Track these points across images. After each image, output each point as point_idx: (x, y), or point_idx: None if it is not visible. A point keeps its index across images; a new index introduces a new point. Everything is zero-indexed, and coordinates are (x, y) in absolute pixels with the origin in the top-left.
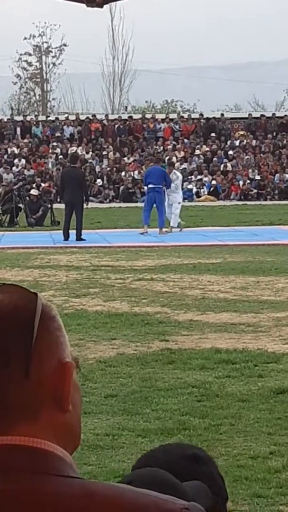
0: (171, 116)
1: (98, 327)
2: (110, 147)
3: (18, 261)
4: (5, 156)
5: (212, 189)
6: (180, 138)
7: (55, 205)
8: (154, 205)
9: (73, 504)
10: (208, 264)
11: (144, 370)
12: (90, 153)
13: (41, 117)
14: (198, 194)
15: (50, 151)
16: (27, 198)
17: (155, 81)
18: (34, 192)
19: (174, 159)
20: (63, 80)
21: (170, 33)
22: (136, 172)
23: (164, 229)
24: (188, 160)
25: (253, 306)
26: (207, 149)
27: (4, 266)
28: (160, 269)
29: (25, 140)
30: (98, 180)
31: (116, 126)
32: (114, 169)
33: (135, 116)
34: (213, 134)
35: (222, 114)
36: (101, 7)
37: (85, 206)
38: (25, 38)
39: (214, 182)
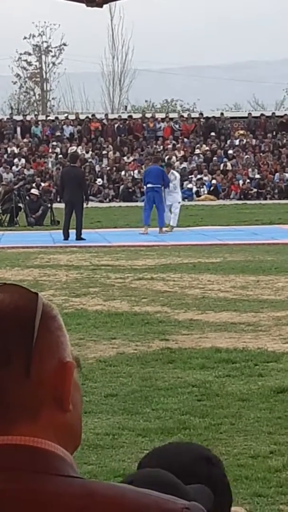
0: (171, 115)
1: (98, 327)
2: (110, 146)
3: (18, 260)
4: (5, 156)
5: (212, 188)
6: (180, 137)
7: (55, 205)
8: (154, 205)
9: (73, 503)
10: (208, 264)
11: (144, 369)
12: (90, 152)
13: (41, 117)
14: (198, 194)
15: (50, 150)
16: (27, 197)
17: (155, 81)
18: (34, 191)
19: (174, 158)
20: (63, 79)
21: (169, 32)
22: (136, 171)
23: (164, 229)
24: (188, 160)
25: (253, 305)
26: (207, 148)
27: (4, 266)
28: (160, 268)
29: (25, 140)
30: (98, 180)
31: (116, 125)
32: (114, 168)
33: (135, 116)
34: (213, 134)
35: (222, 114)
36: (101, 6)
37: (85, 205)
38: (25, 38)
39: (214, 181)
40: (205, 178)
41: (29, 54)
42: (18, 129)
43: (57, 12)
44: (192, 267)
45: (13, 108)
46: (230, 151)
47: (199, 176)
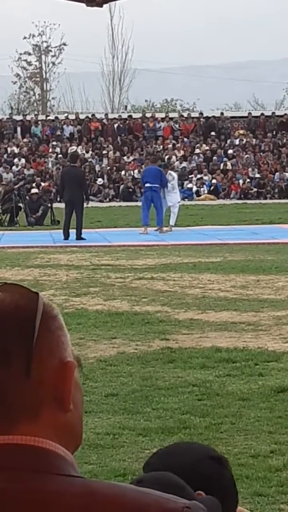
0: (171, 115)
1: (99, 326)
2: (110, 146)
3: (18, 260)
4: (5, 156)
5: (212, 188)
6: (180, 137)
7: (55, 205)
8: (152, 204)
9: (74, 503)
10: (208, 263)
11: (145, 369)
12: (90, 152)
13: (41, 117)
14: (198, 193)
15: (50, 150)
16: (27, 197)
17: (155, 80)
18: (35, 191)
19: (173, 158)
20: (63, 79)
21: (170, 32)
22: (136, 171)
23: (164, 228)
24: (188, 159)
25: (253, 305)
26: (207, 148)
27: (4, 266)
28: (160, 268)
29: (25, 140)
30: (99, 179)
31: (116, 125)
32: (114, 168)
33: (134, 115)
34: (213, 133)
35: (222, 113)
36: (101, 6)
37: (85, 205)
38: (25, 38)
39: (214, 181)
40: (205, 177)
41: (29, 54)
42: (18, 129)
43: (57, 12)
44: (192, 266)
45: (13, 108)
46: (230, 151)
47: (199, 176)
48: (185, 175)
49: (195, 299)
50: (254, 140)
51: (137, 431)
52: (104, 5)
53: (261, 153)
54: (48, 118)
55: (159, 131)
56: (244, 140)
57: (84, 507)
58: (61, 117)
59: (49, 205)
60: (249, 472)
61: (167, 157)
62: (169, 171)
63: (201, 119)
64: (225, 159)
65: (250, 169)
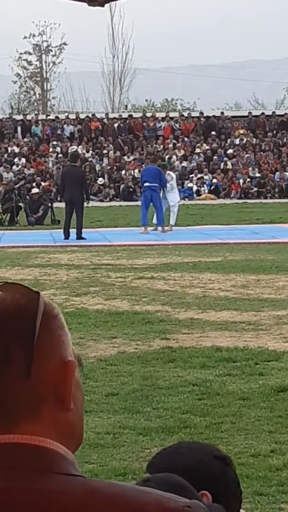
0: (171, 114)
1: (99, 326)
2: (110, 145)
3: (18, 260)
4: (5, 155)
5: (212, 187)
6: (180, 136)
7: (55, 204)
8: (151, 204)
9: (75, 502)
10: (208, 263)
11: (145, 368)
12: (90, 151)
13: (41, 116)
14: (198, 193)
15: (50, 150)
16: (28, 197)
17: (155, 80)
18: (35, 190)
19: (174, 157)
20: (63, 79)
21: (170, 32)
22: (136, 170)
23: (165, 227)
24: (188, 159)
25: (253, 304)
26: (207, 147)
27: (5, 265)
28: (161, 267)
29: (25, 139)
30: (99, 179)
31: (116, 124)
32: (114, 167)
33: (135, 115)
34: (213, 133)
35: (222, 113)
36: (103, 5)
37: (85, 205)
38: (25, 37)
39: (214, 180)
40: (206, 177)
41: (29, 53)
42: (19, 128)
43: (57, 12)
44: (193, 266)
45: (14, 108)
46: (231, 150)
47: (199, 175)
48: (185, 175)
49: (195, 298)
50: (254, 139)
51: (137, 431)
52: (105, 5)
53: (262, 153)
54: (49, 117)
55: (159, 130)
56: (245, 139)
57: (84, 506)
58: (62, 116)
59: (50, 204)
60: (249, 471)
61: (167, 156)
62: (168, 172)
63: (202, 119)
64: (225, 158)
65: (250, 168)
